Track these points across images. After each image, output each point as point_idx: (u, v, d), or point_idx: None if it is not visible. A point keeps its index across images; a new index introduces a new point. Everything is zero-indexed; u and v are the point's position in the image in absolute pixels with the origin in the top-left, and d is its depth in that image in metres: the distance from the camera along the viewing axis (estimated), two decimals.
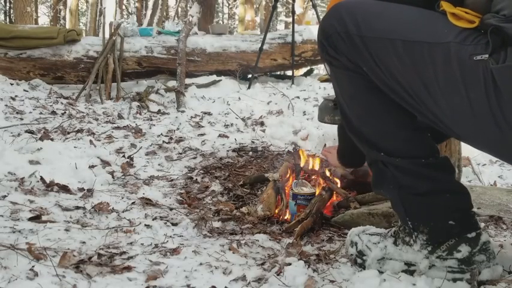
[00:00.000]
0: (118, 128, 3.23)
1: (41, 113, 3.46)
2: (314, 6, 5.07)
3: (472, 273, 1.13)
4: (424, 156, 1.15)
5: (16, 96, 3.86)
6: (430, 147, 1.18)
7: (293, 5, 5.13)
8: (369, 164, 1.24)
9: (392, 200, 1.24)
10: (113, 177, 2.21)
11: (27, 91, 4.14)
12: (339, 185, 1.97)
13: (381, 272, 1.20)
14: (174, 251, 1.39)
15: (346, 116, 1.23)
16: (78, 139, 2.82)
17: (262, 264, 1.32)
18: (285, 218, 1.82)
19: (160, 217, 1.73)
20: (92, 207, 1.74)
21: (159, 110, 3.90)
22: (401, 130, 1.16)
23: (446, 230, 1.14)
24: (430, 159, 1.15)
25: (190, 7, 11.08)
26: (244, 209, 1.82)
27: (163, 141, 2.93)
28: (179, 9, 18.97)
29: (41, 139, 2.68)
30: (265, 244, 1.49)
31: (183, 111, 3.82)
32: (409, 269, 1.19)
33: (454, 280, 1.14)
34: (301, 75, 5.48)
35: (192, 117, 3.69)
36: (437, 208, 1.15)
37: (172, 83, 4.43)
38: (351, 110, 1.21)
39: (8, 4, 18.97)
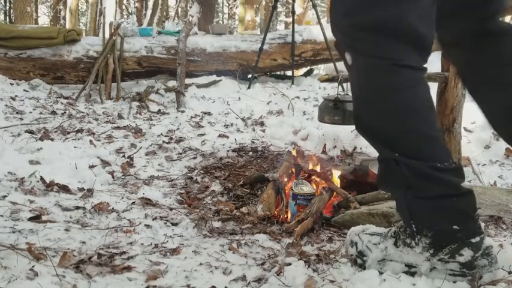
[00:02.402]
0: (118, 128, 3.23)
1: (41, 113, 3.46)
2: (314, 6, 5.07)
3: (473, 276, 1.13)
4: (440, 160, 1.13)
5: (16, 96, 3.87)
6: (447, 151, 1.17)
7: (293, 5, 5.14)
8: (379, 160, 1.22)
9: (397, 200, 1.22)
10: (113, 177, 2.21)
11: (27, 91, 4.14)
12: (338, 185, 1.97)
13: (381, 272, 1.20)
14: (174, 251, 1.39)
15: (361, 111, 1.19)
16: (78, 139, 2.82)
17: (262, 264, 1.32)
18: (285, 218, 1.82)
19: (160, 217, 1.72)
20: (92, 207, 1.74)
21: (159, 110, 3.90)
22: (426, 130, 1.14)
23: (450, 234, 1.13)
24: (445, 164, 1.13)
25: (190, 7, 11.08)
26: (244, 209, 1.82)
27: (163, 141, 2.93)
28: (179, 9, 18.97)
29: (41, 139, 2.68)
30: (265, 244, 1.49)
31: (183, 111, 3.82)
32: (410, 271, 1.18)
33: (455, 281, 1.14)
34: (301, 75, 5.48)
35: (192, 117, 3.69)
36: (444, 212, 1.14)
37: (172, 83, 4.43)
38: (371, 105, 1.16)
39: (8, 4, 18.96)
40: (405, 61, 1.12)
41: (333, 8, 1.20)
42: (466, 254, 1.13)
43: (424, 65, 1.17)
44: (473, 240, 1.13)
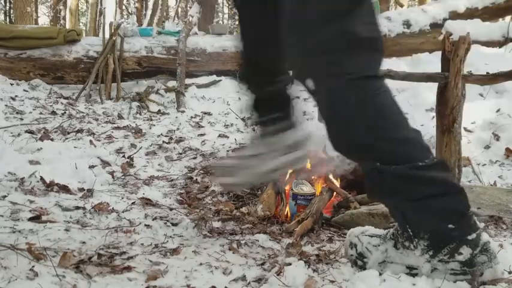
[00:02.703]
0: (118, 128, 3.23)
1: (41, 113, 3.47)
2: None
3: (473, 274, 1.13)
4: (421, 159, 1.15)
5: (16, 96, 3.87)
6: (425, 148, 1.18)
7: None
8: (363, 173, 1.24)
9: (390, 207, 1.24)
10: (113, 177, 2.21)
11: (27, 91, 4.15)
12: (338, 185, 1.97)
13: (381, 273, 1.20)
14: (174, 251, 1.39)
15: (332, 131, 1.23)
16: (78, 139, 2.82)
17: (262, 264, 1.32)
18: (285, 218, 1.82)
19: (160, 217, 1.72)
20: (92, 207, 1.74)
21: (159, 110, 3.90)
22: (398, 134, 1.17)
23: (446, 234, 1.14)
24: (426, 162, 1.15)
25: (190, 7, 11.08)
26: (244, 209, 1.82)
27: (163, 141, 2.94)
28: (179, 9, 18.97)
29: (41, 139, 2.68)
30: (265, 244, 1.49)
31: (183, 112, 3.82)
32: (411, 273, 1.18)
33: (455, 281, 1.14)
34: None
35: (192, 117, 3.69)
36: (437, 213, 1.14)
37: (172, 83, 4.43)
38: (340, 123, 1.20)
39: (8, 4, 18.96)
40: (362, 72, 1.15)
41: (289, 40, 1.24)
42: (465, 252, 1.13)
43: (381, 70, 1.21)
44: (469, 238, 1.13)
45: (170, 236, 1.53)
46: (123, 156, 2.55)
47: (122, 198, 1.93)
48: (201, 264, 1.30)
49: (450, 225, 1.13)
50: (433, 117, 2.24)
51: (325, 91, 1.19)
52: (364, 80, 1.16)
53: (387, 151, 1.16)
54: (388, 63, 4.41)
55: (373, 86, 1.17)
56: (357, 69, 1.15)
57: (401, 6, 10.73)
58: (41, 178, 1.95)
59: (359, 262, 1.27)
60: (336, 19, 1.13)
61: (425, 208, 1.14)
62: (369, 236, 1.29)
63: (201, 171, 2.42)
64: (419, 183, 1.14)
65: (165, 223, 1.66)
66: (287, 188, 1.94)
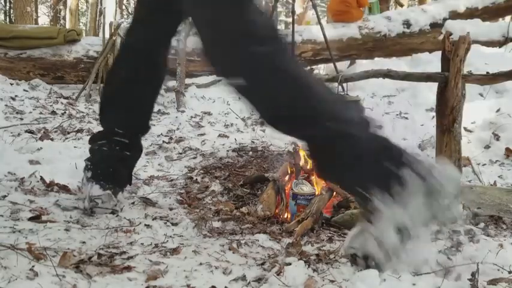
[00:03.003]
0: None
1: (41, 113, 3.47)
2: (314, 6, 5.07)
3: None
4: (342, 107, 1.32)
5: (16, 96, 3.87)
6: (339, 97, 1.39)
7: (293, 5, 5.13)
8: (309, 152, 1.34)
9: (342, 182, 1.38)
10: None
11: (27, 91, 4.15)
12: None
13: (380, 272, 1.20)
14: (174, 251, 1.39)
15: (277, 106, 1.32)
16: (78, 139, 2.82)
17: (262, 264, 1.32)
18: (285, 218, 1.82)
19: (160, 217, 1.72)
20: None
21: (159, 110, 3.90)
22: (320, 89, 1.33)
23: (387, 171, 1.21)
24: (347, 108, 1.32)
25: None
26: (244, 209, 1.82)
27: (163, 141, 2.93)
28: None
29: (41, 139, 2.68)
30: (265, 244, 1.49)
31: (183, 111, 3.82)
32: (399, 228, 1.20)
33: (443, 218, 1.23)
34: None
35: (192, 117, 3.69)
36: (368, 159, 1.23)
37: (172, 83, 4.43)
38: (277, 98, 1.31)
39: (8, 4, 18.95)
40: (274, 52, 1.30)
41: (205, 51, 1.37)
42: (408, 174, 1.19)
43: (287, 45, 1.43)
44: (403, 160, 1.22)
45: (170, 236, 1.53)
46: None
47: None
48: (201, 264, 1.30)
49: (386, 164, 1.21)
50: (433, 117, 2.24)
51: (246, 80, 1.33)
52: (276, 56, 1.29)
53: (328, 107, 1.28)
54: (388, 63, 4.42)
55: (284, 58, 1.32)
56: (269, 51, 1.28)
57: (401, 6, 10.74)
58: (41, 178, 1.95)
59: (370, 262, 1.25)
60: (233, 16, 1.28)
61: (360, 162, 1.24)
62: (353, 236, 1.30)
63: (201, 171, 2.42)
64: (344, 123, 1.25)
65: (165, 223, 1.66)
66: (287, 188, 1.95)
